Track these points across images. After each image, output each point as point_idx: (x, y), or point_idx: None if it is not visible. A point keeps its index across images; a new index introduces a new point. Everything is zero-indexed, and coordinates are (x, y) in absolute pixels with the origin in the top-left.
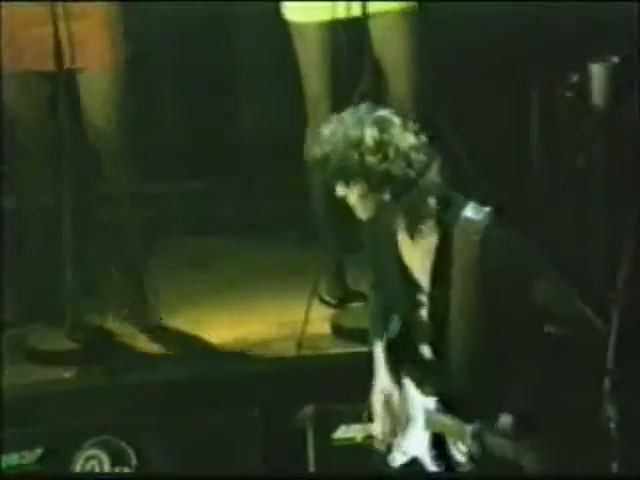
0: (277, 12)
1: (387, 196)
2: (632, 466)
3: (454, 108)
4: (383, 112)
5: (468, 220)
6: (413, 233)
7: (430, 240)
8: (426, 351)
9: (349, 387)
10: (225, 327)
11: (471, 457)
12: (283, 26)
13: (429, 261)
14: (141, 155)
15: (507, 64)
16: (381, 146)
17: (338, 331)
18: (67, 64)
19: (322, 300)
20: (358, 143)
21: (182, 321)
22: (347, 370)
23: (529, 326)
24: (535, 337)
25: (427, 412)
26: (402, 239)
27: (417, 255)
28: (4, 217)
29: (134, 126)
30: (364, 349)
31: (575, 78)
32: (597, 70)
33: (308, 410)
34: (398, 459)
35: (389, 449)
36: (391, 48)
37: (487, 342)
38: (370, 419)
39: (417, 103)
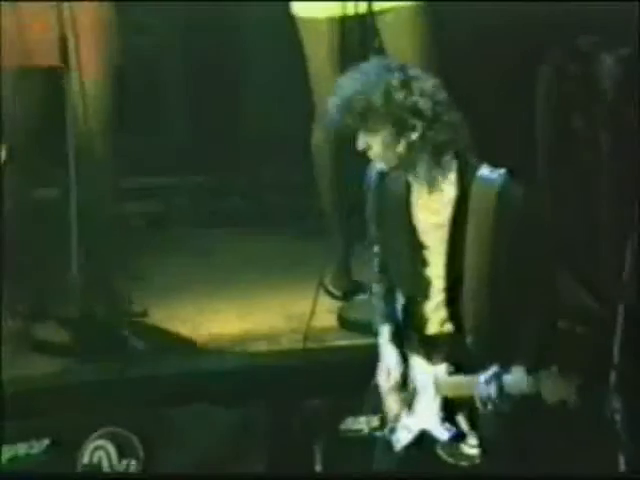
0: (282, 9)
1: (414, 135)
2: (639, 459)
3: (459, 103)
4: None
5: (485, 176)
6: (432, 186)
7: (448, 194)
8: (434, 320)
9: (356, 379)
10: (231, 320)
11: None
12: (288, 23)
13: (446, 216)
14: (147, 149)
15: (513, 58)
16: (406, 83)
17: (344, 323)
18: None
19: (327, 292)
20: (383, 83)
21: (187, 314)
22: (354, 362)
23: (542, 274)
24: (546, 285)
25: (437, 380)
26: (417, 195)
27: (432, 211)
28: (4, 214)
29: (138, 122)
30: (371, 341)
31: (582, 71)
32: (606, 63)
33: (316, 403)
34: (402, 439)
35: (392, 431)
36: (398, 46)
37: (501, 295)
38: (367, 409)
39: None
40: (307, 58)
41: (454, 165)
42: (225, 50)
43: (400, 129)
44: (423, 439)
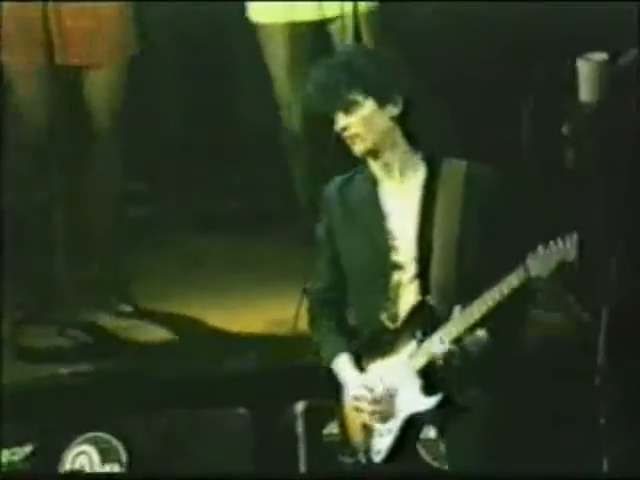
0: None
1: (395, 110)
2: (622, 461)
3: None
4: None
5: (451, 159)
6: (404, 169)
7: (418, 175)
8: (407, 300)
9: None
10: (218, 324)
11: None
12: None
13: (416, 199)
14: (135, 153)
15: (498, 63)
16: (372, 56)
17: None
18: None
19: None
20: (354, 55)
21: (176, 317)
22: None
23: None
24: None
25: (410, 356)
26: (387, 184)
27: (404, 195)
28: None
29: (135, 124)
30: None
31: (564, 76)
32: (585, 67)
33: (299, 406)
34: (383, 447)
35: (367, 452)
36: None
37: (472, 270)
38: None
39: None
40: (269, 65)
41: (422, 150)
42: (221, 50)
43: (382, 101)
44: (406, 437)
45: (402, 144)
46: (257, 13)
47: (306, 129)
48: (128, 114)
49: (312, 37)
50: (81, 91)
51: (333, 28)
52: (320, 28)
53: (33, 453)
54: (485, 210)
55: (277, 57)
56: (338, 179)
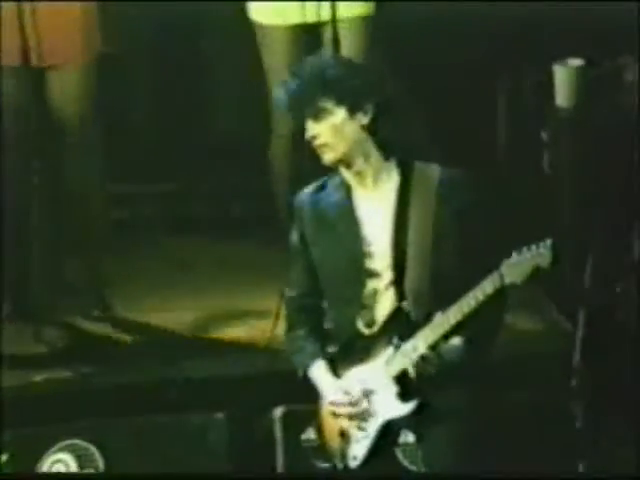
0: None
1: (365, 119)
2: (599, 462)
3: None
4: None
5: (424, 164)
6: (377, 174)
7: (391, 181)
8: (384, 306)
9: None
10: (195, 328)
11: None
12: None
13: (390, 205)
14: (114, 155)
15: (475, 66)
16: (343, 62)
17: None
18: (36, 61)
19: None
20: (327, 64)
21: (151, 321)
22: None
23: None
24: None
25: (387, 362)
26: (361, 191)
27: (378, 200)
28: None
29: (107, 127)
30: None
31: (540, 80)
32: (561, 72)
33: (277, 411)
34: (359, 452)
35: (343, 458)
36: (348, 52)
37: (448, 275)
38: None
39: None
40: (266, 65)
41: (395, 155)
42: (194, 56)
43: (353, 109)
44: (382, 443)
45: (374, 152)
46: (256, 13)
47: (293, 133)
48: (108, 116)
49: (306, 38)
50: (49, 90)
51: (321, 31)
52: (313, 30)
53: (9, 461)
54: (459, 214)
55: (273, 57)
56: (311, 186)
